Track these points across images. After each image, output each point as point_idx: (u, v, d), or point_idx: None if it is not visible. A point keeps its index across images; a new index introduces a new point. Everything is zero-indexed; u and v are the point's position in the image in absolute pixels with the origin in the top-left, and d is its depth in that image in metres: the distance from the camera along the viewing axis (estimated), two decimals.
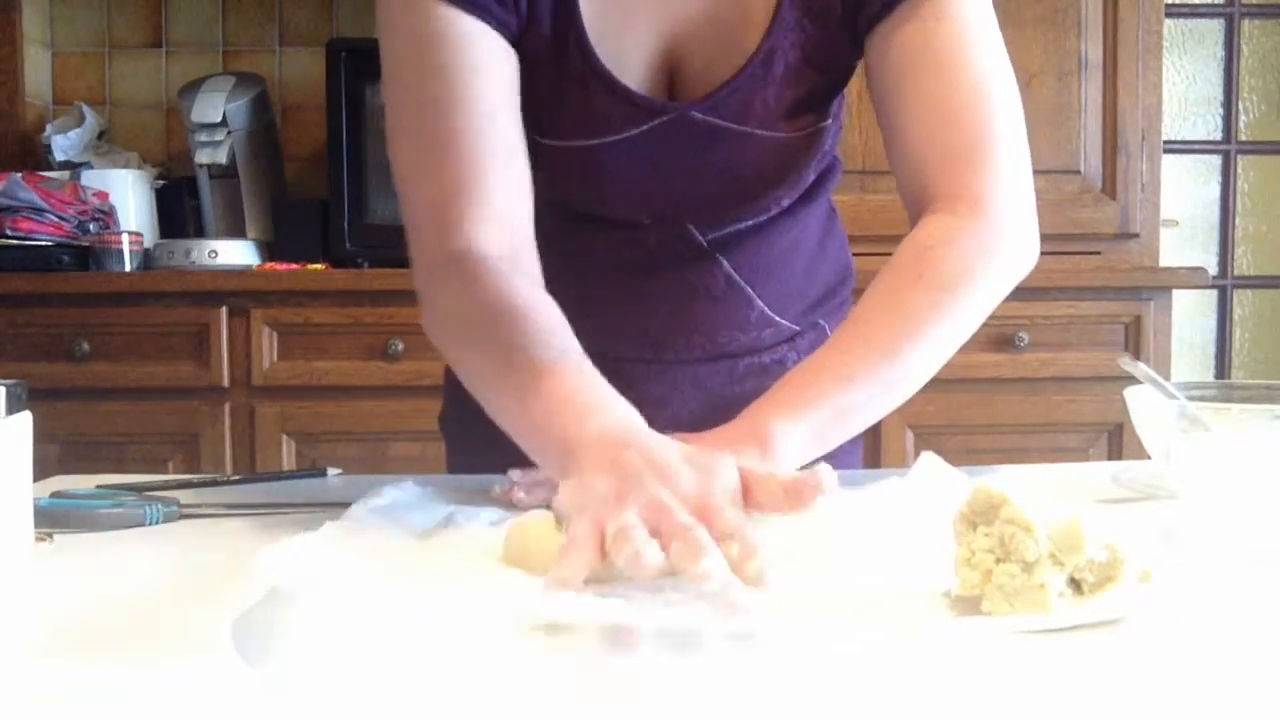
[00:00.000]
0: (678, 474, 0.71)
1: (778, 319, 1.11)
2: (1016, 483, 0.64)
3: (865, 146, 2.35)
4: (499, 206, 0.92)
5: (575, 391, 0.80)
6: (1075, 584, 0.60)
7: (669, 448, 0.74)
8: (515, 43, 0.95)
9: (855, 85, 1.05)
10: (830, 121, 1.04)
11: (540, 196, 1.03)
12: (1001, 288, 0.93)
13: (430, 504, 0.89)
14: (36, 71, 2.92)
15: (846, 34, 0.98)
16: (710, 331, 1.09)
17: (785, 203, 1.08)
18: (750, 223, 1.07)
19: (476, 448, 1.16)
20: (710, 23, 0.97)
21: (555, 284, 1.06)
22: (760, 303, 1.09)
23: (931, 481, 0.88)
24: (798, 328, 1.13)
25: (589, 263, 1.07)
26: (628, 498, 0.68)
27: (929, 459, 0.94)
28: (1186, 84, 2.98)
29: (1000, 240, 0.93)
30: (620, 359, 1.09)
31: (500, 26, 0.94)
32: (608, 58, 0.96)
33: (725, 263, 1.07)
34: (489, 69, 0.92)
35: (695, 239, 1.06)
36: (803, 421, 0.83)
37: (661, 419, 1.10)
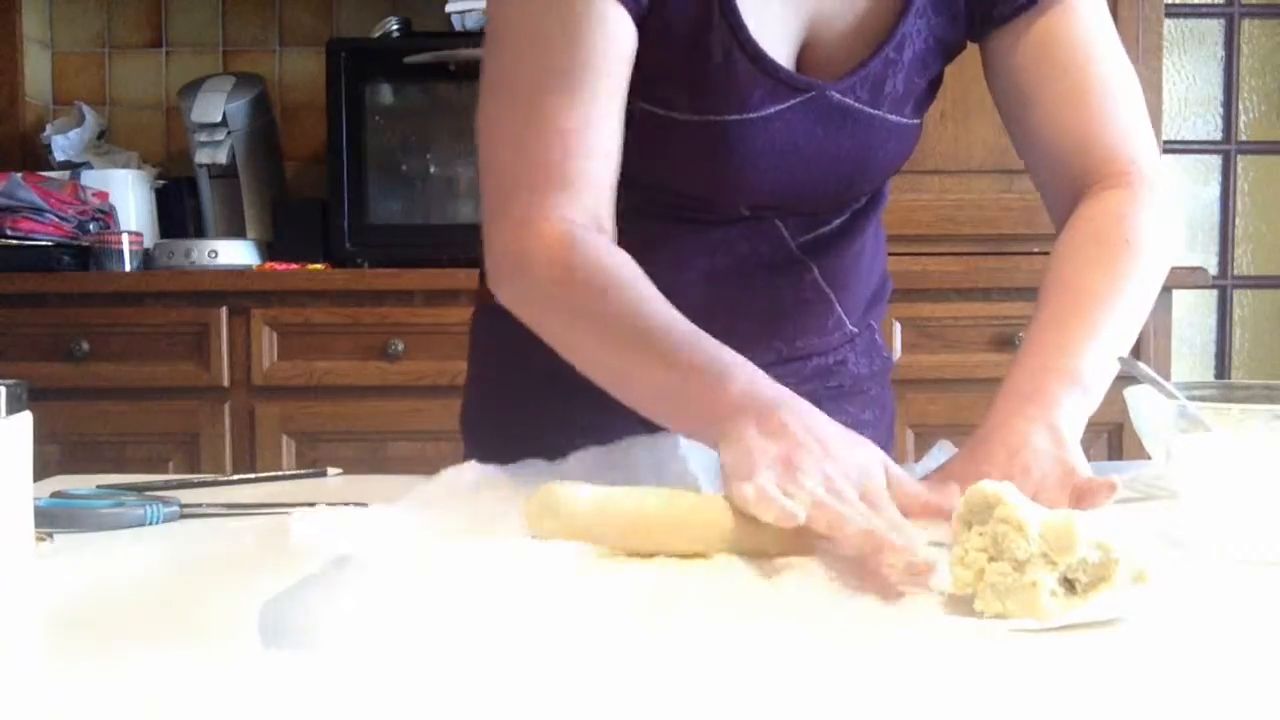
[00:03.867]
0: (837, 448, 0.76)
1: (846, 322, 1.13)
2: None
3: None
4: (593, 195, 0.91)
5: (704, 356, 0.83)
6: (1069, 584, 0.60)
7: (819, 416, 0.79)
8: (643, 18, 0.93)
9: None
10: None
11: (643, 199, 1.00)
12: (1174, 240, 1.00)
13: (482, 491, 0.88)
14: (36, 71, 2.92)
15: (967, 22, 1.00)
16: (791, 338, 1.10)
17: (864, 199, 1.09)
18: (835, 224, 1.08)
19: (501, 449, 1.16)
20: (849, 3, 0.98)
21: None
22: (839, 308, 1.11)
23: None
24: (857, 330, 1.15)
25: (681, 275, 1.04)
26: (799, 465, 0.73)
27: (945, 449, 0.94)
28: (1186, 84, 2.98)
29: (1165, 200, 1.00)
30: None
31: (632, 5, 0.91)
32: (753, 32, 0.95)
33: (815, 269, 1.08)
34: (606, 57, 0.90)
35: (787, 244, 1.06)
36: (1075, 389, 0.87)
37: None
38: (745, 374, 0.82)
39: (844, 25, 0.98)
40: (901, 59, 0.99)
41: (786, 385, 1.09)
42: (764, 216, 1.05)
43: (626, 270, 0.89)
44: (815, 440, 0.75)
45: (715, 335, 1.05)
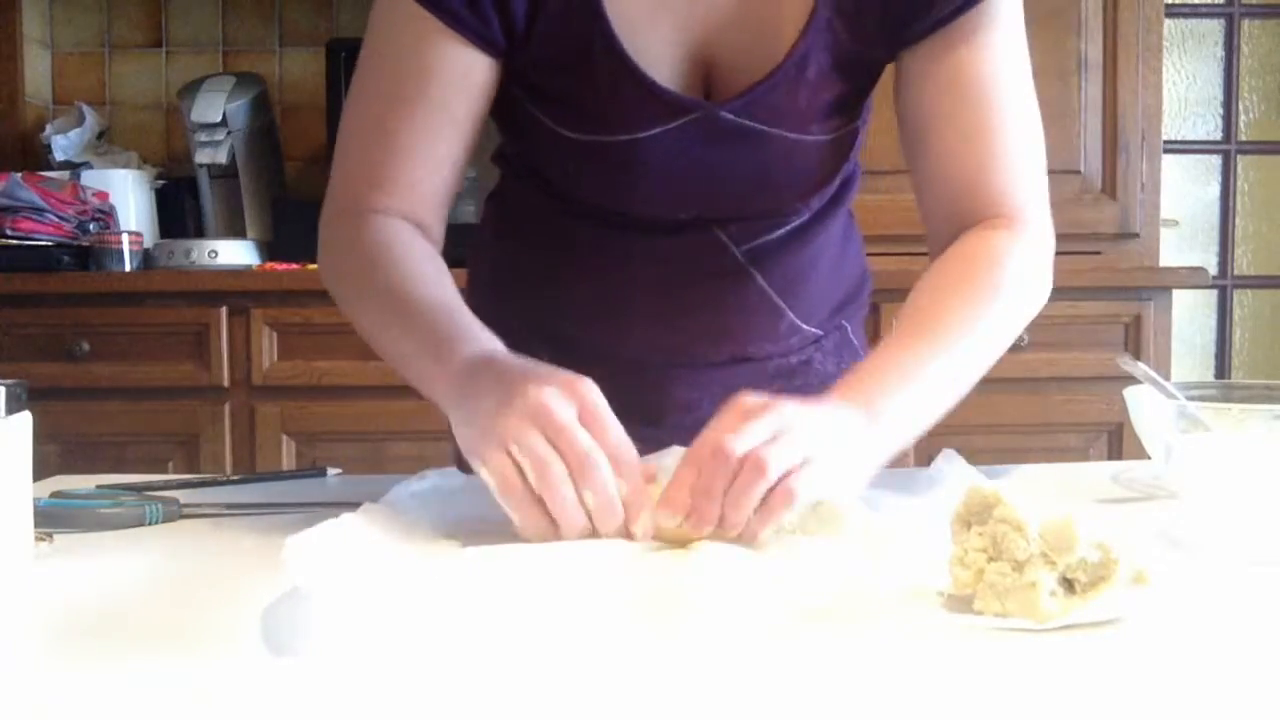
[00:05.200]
0: (544, 377, 0.77)
1: (804, 326, 1.12)
2: (1018, 483, 0.64)
3: (866, 145, 2.34)
4: (414, 199, 0.98)
5: (442, 329, 0.87)
6: (1068, 583, 0.60)
7: (528, 362, 0.81)
8: (504, 50, 0.97)
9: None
10: (859, 124, 1.05)
11: (576, 204, 1.05)
12: (1044, 290, 1.01)
13: (470, 495, 0.89)
14: (36, 71, 2.92)
15: (882, 38, 0.98)
16: (741, 342, 1.10)
17: (815, 205, 1.08)
18: (781, 232, 1.07)
19: None
20: (742, 22, 0.96)
21: (590, 301, 1.06)
22: (791, 314, 1.10)
23: (953, 478, 0.89)
24: (822, 332, 1.14)
25: (625, 276, 1.07)
26: (511, 404, 0.74)
27: (949, 456, 0.94)
28: (1186, 84, 2.98)
29: (1044, 250, 1.00)
30: (650, 365, 1.09)
31: (478, 39, 0.95)
32: (636, 53, 0.96)
33: (759, 277, 1.08)
34: (449, 80, 0.97)
35: (730, 251, 1.06)
36: (900, 392, 0.85)
37: (690, 420, 1.10)
38: (467, 342, 0.85)
39: (742, 44, 0.97)
40: (804, 76, 0.96)
41: (745, 384, 1.10)
42: (701, 224, 1.05)
43: (405, 249, 0.95)
44: (524, 376, 0.77)
45: (662, 334, 1.07)
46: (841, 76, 0.98)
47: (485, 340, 0.86)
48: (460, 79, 0.97)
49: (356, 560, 0.69)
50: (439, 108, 0.97)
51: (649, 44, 0.96)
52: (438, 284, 0.93)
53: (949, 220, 0.99)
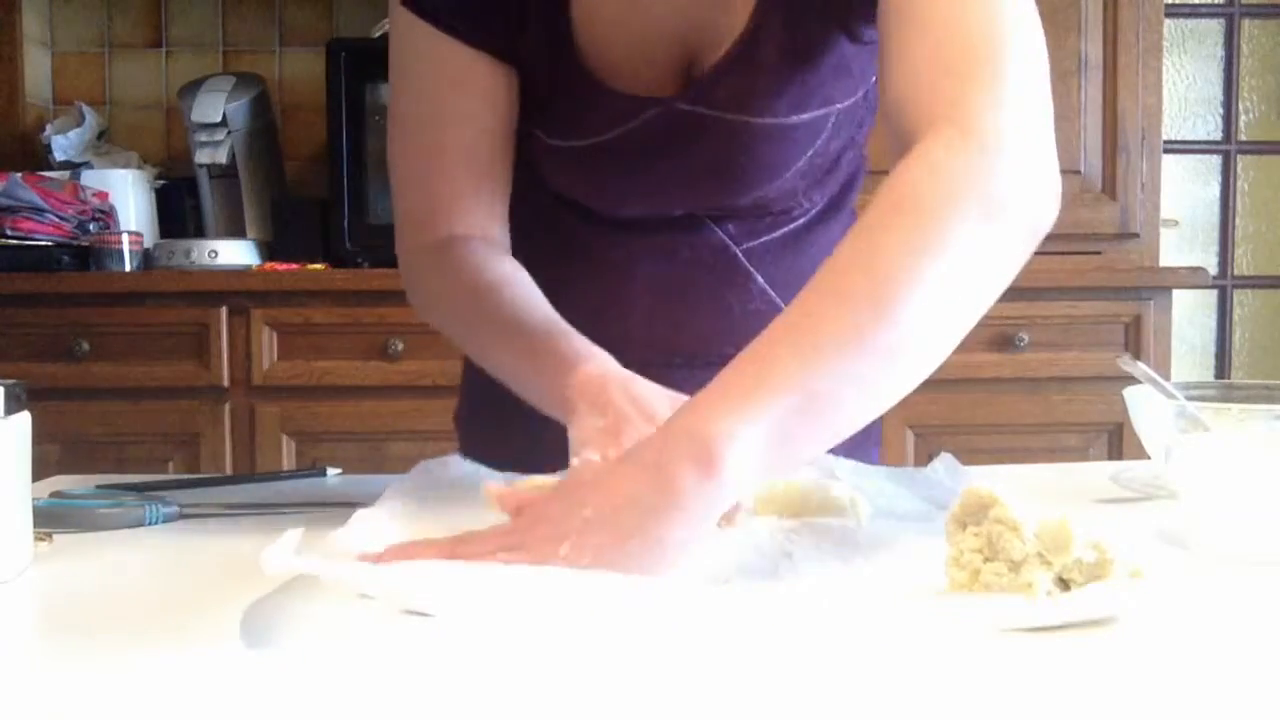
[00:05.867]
0: (661, 411, 0.79)
1: None
2: (1011, 483, 0.64)
3: (868, 146, 2.34)
4: (478, 213, 1.00)
5: (556, 347, 0.90)
6: (1064, 584, 0.60)
7: (647, 387, 0.84)
8: (511, 52, 0.98)
9: None
10: (835, 110, 1.02)
11: (574, 205, 1.06)
12: (1006, 218, 0.75)
13: (466, 491, 0.90)
14: (36, 71, 2.92)
15: (832, 18, 0.94)
16: (742, 342, 1.09)
17: (817, 203, 1.07)
18: (782, 232, 1.07)
19: (494, 445, 1.17)
20: (699, 10, 0.96)
21: (591, 300, 1.06)
22: None
23: (949, 480, 0.90)
24: None
25: (627, 276, 1.07)
26: (621, 434, 0.78)
27: (946, 460, 0.94)
28: (1186, 84, 2.98)
29: (997, 164, 0.75)
30: (651, 365, 1.09)
31: (492, 47, 0.97)
32: (601, 56, 0.96)
33: (760, 278, 1.08)
34: (479, 90, 0.99)
35: (730, 251, 1.06)
36: (756, 422, 0.65)
37: None
38: (585, 359, 0.87)
39: (704, 31, 0.96)
40: (755, 59, 0.95)
41: None
42: (698, 222, 1.05)
43: (500, 274, 0.97)
44: (636, 407, 0.81)
45: (668, 337, 1.07)
46: (802, 55, 0.96)
47: (598, 359, 0.88)
48: (479, 84, 0.98)
49: (353, 562, 0.69)
50: (469, 117, 0.99)
51: (614, 44, 0.97)
52: (538, 305, 0.95)
53: (896, 138, 0.78)
